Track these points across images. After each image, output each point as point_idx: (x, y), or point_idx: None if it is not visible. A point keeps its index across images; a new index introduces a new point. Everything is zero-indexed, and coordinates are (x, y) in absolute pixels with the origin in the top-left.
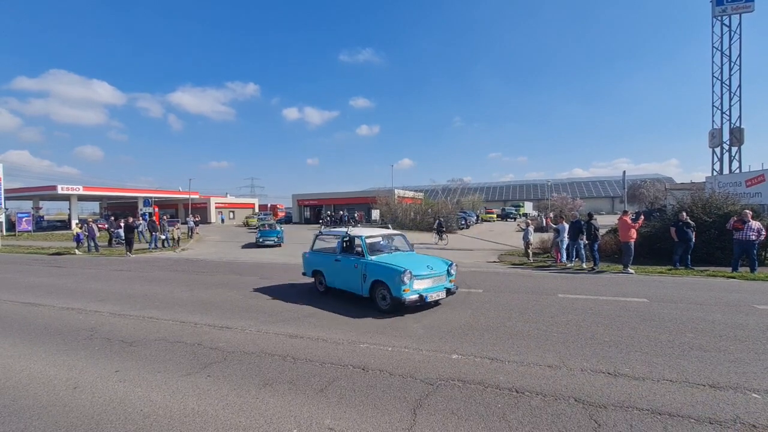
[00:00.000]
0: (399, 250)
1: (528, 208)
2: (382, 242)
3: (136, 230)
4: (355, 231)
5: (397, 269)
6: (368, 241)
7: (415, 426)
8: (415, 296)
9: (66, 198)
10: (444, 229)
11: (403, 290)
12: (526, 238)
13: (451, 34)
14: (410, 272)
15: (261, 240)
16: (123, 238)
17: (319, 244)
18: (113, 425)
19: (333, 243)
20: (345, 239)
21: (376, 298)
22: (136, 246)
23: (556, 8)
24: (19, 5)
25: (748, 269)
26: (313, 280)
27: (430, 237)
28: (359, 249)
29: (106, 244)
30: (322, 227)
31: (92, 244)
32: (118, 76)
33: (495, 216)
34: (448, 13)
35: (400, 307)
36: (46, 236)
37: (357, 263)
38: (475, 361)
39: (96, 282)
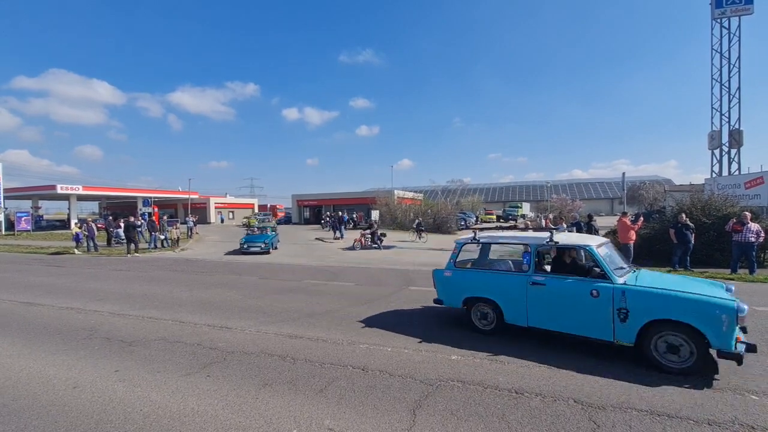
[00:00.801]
0: (632, 266)
1: (526, 209)
2: (612, 255)
3: (136, 229)
4: (567, 237)
5: (723, 303)
6: (601, 252)
7: (414, 426)
8: (742, 347)
9: (65, 197)
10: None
11: (735, 339)
12: None
13: (451, 34)
14: (745, 307)
15: (246, 246)
16: (122, 237)
17: (464, 255)
18: (113, 425)
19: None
20: (540, 248)
21: (654, 348)
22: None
23: (556, 8)
24: (19, 5)
25: (747, 271)
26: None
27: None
28: (595, 268)
29: (105, 243)
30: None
31: (92, 243)
32: (118, 75)
33: (495, 217)
34: (448, 13)
35: (713, 365)
36: (45, 236)
37: (596, 289)
38: (474, 362)
39: (95, 281)
